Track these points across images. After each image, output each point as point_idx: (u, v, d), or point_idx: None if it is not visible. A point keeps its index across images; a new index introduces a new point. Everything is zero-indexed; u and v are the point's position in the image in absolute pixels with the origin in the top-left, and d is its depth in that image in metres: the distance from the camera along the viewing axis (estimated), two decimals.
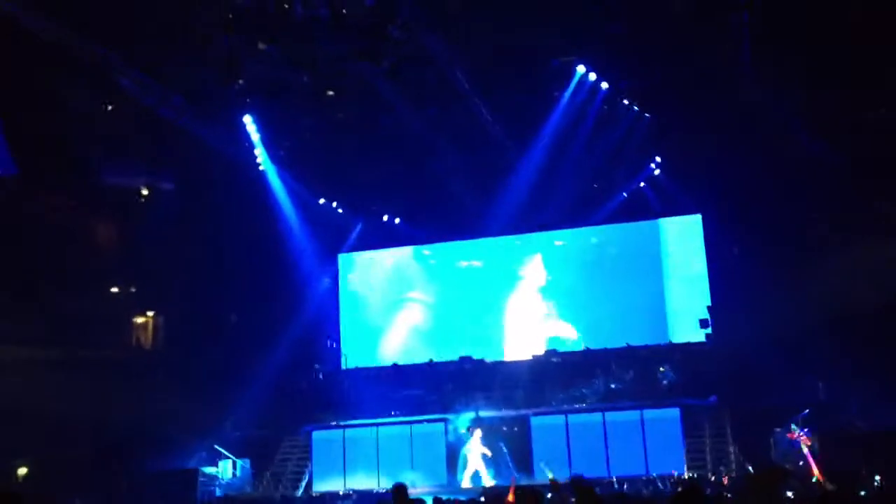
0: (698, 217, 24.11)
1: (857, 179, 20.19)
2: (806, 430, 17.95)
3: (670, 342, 23.14)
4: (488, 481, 20.34)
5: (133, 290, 23.47)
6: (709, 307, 22.71)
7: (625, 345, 23.14)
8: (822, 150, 20.52)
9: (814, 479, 16.37)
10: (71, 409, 17.74)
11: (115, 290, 23.03)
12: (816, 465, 16.96)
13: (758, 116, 20.65)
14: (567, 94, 20.79)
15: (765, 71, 19.20)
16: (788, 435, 18.29)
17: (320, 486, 21.92)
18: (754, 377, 19.42)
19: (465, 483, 20.67)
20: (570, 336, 24.64)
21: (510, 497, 12.13)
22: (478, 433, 21.26)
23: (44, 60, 16.86)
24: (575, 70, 20.23)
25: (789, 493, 11.57)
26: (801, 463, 17.60)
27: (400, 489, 8.86)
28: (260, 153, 22.72)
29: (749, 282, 21.62)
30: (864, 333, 18.85)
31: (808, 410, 18.78)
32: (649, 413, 20.70)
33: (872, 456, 16.64)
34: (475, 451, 21.09)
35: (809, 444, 17.64)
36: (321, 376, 25.73)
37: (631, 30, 18.28)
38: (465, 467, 21.28)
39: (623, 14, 17.77)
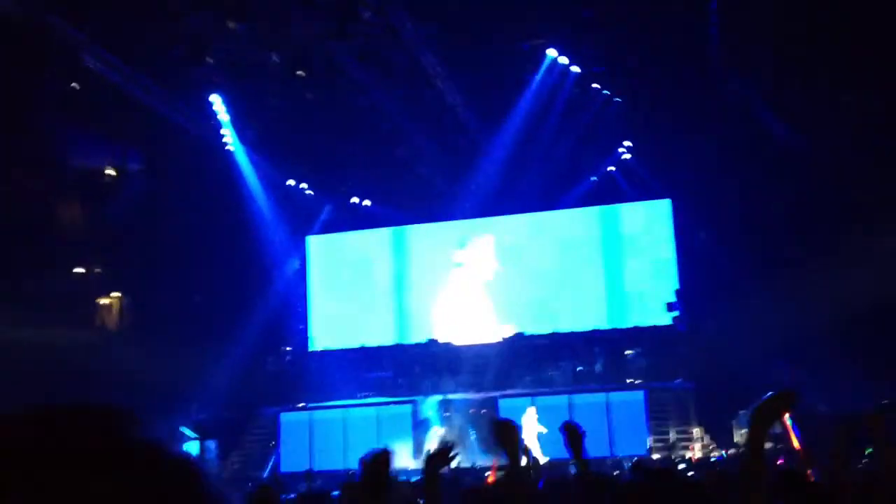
0: (668, 202, 24.21)
1: (830, 167, 20.30)
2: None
3: (637, 326, 23.28)
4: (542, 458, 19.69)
5: (98, 270, 23.18)
6: (677, 291, 22.88)
7: (592, 328, 23.32)
8: (792, 136, 20.64)
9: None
10: (33, 389, 17.51)
11: (79, 270, 22.74)
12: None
13: (729, 102, 20.73)
14: (538, 77, 20.77)
15: (737, 57, 19.27)
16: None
17: (287, 468, 21.90)
18: (720, 360, 19.59)
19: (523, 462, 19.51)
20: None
21: (491, 477, 12.07)
22: (532, 411, 20.69)
23: (6, 38, 16.55)
24: (545, 53, 20.22)
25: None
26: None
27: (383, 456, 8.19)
28: (228, 133, 22.49)
29: (717, 267, 21.76)
30: (830, 318, 19.04)
31: (770, 393, 19.02)
32: (615, 396, 20.89)
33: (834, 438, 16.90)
34: (531, 430, 20.65)
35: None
36: (289, 358, 25.66)
37: (603, 13, 18.29)
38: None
39: None
